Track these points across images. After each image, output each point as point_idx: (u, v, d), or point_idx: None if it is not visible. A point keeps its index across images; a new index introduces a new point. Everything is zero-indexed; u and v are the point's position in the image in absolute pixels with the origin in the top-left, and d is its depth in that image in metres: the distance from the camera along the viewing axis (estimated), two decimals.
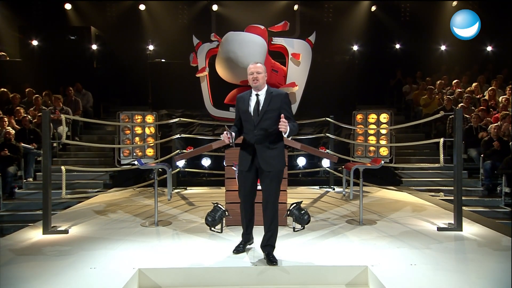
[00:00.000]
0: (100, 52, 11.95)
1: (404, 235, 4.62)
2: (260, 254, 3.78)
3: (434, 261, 3.72)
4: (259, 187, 3.83)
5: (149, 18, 12.82)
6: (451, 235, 4.62)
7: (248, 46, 7.81)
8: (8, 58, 11.65)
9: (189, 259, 3.84)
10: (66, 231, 4.80)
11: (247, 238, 3.98)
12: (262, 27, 8.25)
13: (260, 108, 3.68)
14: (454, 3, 12.86)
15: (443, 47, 13.00)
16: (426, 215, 5.62)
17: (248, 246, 4.02)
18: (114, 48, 12.33)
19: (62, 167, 5.03)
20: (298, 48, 8.44)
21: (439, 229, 4.83)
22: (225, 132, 3.61)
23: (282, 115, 3.54)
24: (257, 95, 3.73)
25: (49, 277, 3.44)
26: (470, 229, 4.88)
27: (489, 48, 12.79)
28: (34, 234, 4.74)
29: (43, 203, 4.83)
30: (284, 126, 3.47)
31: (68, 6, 12.36)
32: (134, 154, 8.32)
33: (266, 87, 3.76)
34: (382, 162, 5.15)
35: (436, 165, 5.44)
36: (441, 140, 5.37)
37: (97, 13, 12.52)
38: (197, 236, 4.61)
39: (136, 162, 5.31)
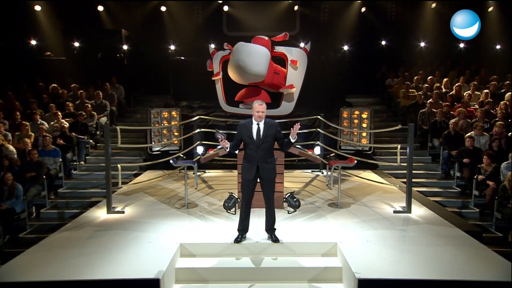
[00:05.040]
0: (130, 51, 12.93)
1: (368, 216, 5.80)
2: (264, 234, 4.96)
3: (383, 239, 4.92)
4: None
5: (169, 18, 13.68)
6: (402, 217, 5.81)
7: (255, 55, 8.73)
8: (52, 56, 12.68)
9: (213, 235, 5.06)
10: (123, 212, 6.02)
11: (244, 230, 4.84)
12: (266, 38, 9.14)
13: (262, 134, 4.71)
14: (433, 4, 13.61)
15: (422, 44, 13.80)
16: (389, 198, 6.77)
17: (246, 236, 4.89)
18: (141, 48, 13.29)
19: (119, 165, 6.23)
20: (296, 56, 9.35)
21: (395, 211, 6.01)
22: (219, 136, 4.63)
23: (296, 124, 4.58)
24: (258, 124, 4.73)
25: (122, 248, 4.66)
26: (418, 211, 6.07)
27: (461, 45, 13.57)
28: (101, 214, 5.98)
29: (106, 190, 6.06)
30: (294, 135, 4.61)
31: (100, 8, 13.27)
32: (163, 142, 9.44)
33: (264, 119, 4.76)
34: (355, 161, 6.28)
35: (394, 164, 6.53)
36: (399, 146, 6.42)
37: (125, 16, 13.39)
38: (218, 216, 5.82)
39: (171, 161, 6.46)
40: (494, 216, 6.91)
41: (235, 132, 4.95)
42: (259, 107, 4.70)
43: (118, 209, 6.14)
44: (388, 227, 5.37)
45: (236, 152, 5.13)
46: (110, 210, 5.99)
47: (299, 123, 4.67)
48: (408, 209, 5.99)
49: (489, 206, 7.22)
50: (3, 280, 3.87)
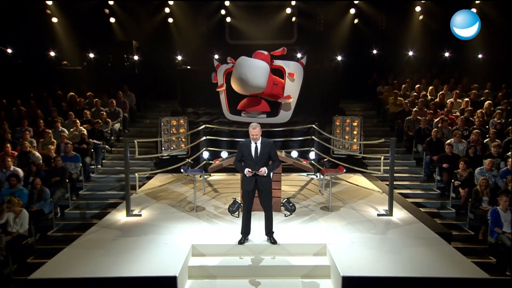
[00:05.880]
0: (140, 61, 13.48)
1: (355, 219, 6.35)
2: (263, 236, 5.51)
3: (366, 240, 5.48)
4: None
5: (176, 30, 14.19)
6: (384, 219, 6.36)
7: (256, 69, 9.21)
8: (69, 65, 13.22)
9: (220, 237, 5.62)
10: (140, 215, 6.58)
11: (246, 233, 5.38)
12: (266, 52, 9.61)
13: (259, 153, 5.29)
14: (420, 16, 14.10)
15: (410, 53, 14.30)
16: (375, 202, 7.30)
17: (248, 238, 5.43)
18: (150, 58, 13.83)
19: (136, 174, 6.78)
20: (293, 69, 9.83)
21: (378, 215, 6.56)
22: (248, 171, 5.25)
23: (263, 168, 5.20)
24: (255, 144, 5.30)
25: (142, 249, 5.22)
26: (399, 214, 6.62)
27: (446, 54, 14.06)
28: (121, 216, 6.54)
29: (126, 196, 6.62)
30: (263, 171, 5.20)
31: (112, 20, 13.78)
32: (172, 148, 9.99)
33: (260, 138, 5.33)
34: (344, 170, 6.84)
35: (378, 173, 7.09)
36: (382, 157, 6.97)
37: (136, 28, 13.91)
38: (223, 219, 6.38)
39: (182, 170, 7.01)
40: (468, 216, 7.51)
41: (238, 140, 5.54)
42: (252, 131, 5.26)
43: (136, 212, 6.70)
44: (371, 229, 5.94)
45: None
46: (129, 213, 6.56)
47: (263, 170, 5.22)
48: (390, 213, 6.56)
49: (464, 207, 7.81)
50: (48, 276, 4.46)
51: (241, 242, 5.41)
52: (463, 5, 13.00)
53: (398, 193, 8.41)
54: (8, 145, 8.55)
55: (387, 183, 7.84)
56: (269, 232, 5.46)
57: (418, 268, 4.67)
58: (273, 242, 5.40)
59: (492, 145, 8.55)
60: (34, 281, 4.39)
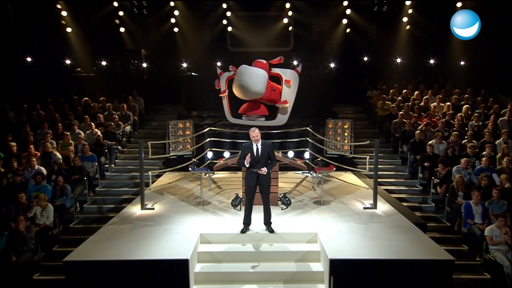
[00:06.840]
0: (149, 68, 14.04)
1: (343, 212, 6.95)
2: (263, 226, 6.12)
3: (351, 229, 6.08)
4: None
5: (181, 39, 14.78)
6: (369, 212, 6.96)
7: (255, 77, 9.70)
8: (82, 72, 13.80)
9: (225, 227, 6.23)
10: (153, 208, 7.18)
11: (247, 224, 5.98)
12: (265, 61, 10.17)
13: (260, 153, 5.90)
14: (407, 26, 14.71)
15: (398, 60, 14.88)
16: (362, 197, 7.90)
17: (249, 228, 6.03)
18: (158, 65, 14.42)
19: (150, 172, 7.37)
20: (289, 76, 10.34)
21: (364, 208, 7.16)
22: (248, 157, 5.80)
23: (264, 168, 5.77)
24: (256, 145, 5.91)
25: (158, 237, 5.81)
26: (382, 207, 7.22)
27: (431, 61, 14.66)
28: (136, 210, 7.13)
29: (141, 191, 7.20)
30: (264, 171, 5.78)
31: (122, 29, 14.37)
32: (179, 148, 10.57)
33: (260, 140, 5.93)
34: (334, 168, 7.43)
35: (365, 171, 7.67)
36: (367, 157, 7.56)
37: (144, 37, 14.51)
38: (227, 212, 6.98)
39: (190, 169, 7.60)
40: (445, 210, 8.11)
41: (240, 141, 6.07)
42: (252, 133, 5.87)
43: (149, 206, 7.29)
44: (357, 220, 6.54)
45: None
46: (143, 207, 7.15)
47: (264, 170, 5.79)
48: (374, 206, 7.16)
49: (442, 201, 8.41)
50: (80, 259, 5.06)
51: (243, 231, 6.01)
52: (447, 16, 13.82)
53: (384, 189, 9.01)
54: (32, 146, 9.13)
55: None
56: (267, 222, 6.07)
57: (395, 252, 5.28)
58: (271, 231, 6.00)
59: (468, 146, 9.15)
60: (69, 263, 4.99)
